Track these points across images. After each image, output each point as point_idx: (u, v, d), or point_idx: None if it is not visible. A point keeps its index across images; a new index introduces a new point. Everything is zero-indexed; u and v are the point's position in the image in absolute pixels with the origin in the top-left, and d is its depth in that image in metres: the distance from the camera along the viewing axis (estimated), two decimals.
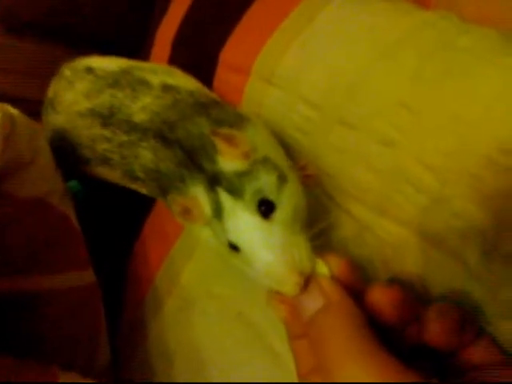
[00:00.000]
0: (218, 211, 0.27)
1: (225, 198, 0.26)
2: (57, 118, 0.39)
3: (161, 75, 0.36)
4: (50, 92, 0.41)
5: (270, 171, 0.27)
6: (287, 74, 0.38)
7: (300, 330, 0.26)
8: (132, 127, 0.33)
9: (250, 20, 0.42)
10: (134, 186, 0.37)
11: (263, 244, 0.25)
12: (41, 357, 0.31)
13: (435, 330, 0.23)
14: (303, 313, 0.24)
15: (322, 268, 0.25)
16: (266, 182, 0.26)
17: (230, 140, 0.27)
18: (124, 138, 0.34)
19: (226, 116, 0.32)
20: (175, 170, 0.30)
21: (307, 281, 0.24)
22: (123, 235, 0.47)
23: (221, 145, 0.27)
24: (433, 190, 0.28)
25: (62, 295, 0.35)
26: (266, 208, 0.26)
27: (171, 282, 0.40)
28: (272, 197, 0.26)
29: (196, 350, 0.37)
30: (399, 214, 0.30)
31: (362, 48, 0.35)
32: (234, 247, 0.27)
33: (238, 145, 0.27)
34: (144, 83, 0.35)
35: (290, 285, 0.24)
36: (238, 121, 0.31)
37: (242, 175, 0.26)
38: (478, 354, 0.24)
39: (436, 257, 0.28)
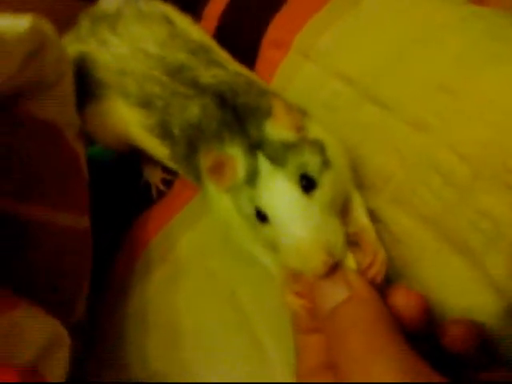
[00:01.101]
0: (252, 176, 0.25)
1: (264, 163, 0.25)
2: (113, 39, 0.37)
3: (236, 66, 0.36)
4: (109, 7, 0.39)
5: (316, 153, 0.26)
6: (325, 49, 0.37)
7: (312, 324, 0.24)
8: (194, 84, 0.33)
9: (296, 1, 0.42)
10: (156, 148, 0.36)
11: (299, 217, 0.23)
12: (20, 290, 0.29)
13: (453, 332, 0.23)
14: (323, 302, 0.23)
15: (351, 261, 0.24)
16: (310, 159, 0.25)
17: (287, 107, 0.26)
18: (181, 89, 0.33)
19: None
20: (217, 129, 0.30)
21: (334, 268, 0.23)
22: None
23: (277, 108, 0.26)
24: (463, 184, 0.27)
25: (54, 232, 0.33)
26: (307, 183, 0.24)
27: (166, 249, 0.38)
28: (315, 175, 0.25)
29: (175, 326, 0.35)
30: (420, 208, 0.28)
31: (405, 29, 0.34)
32: (261, 217, 0.25)
33: (294, 116, 0.26)
34: (220, 65, 0.35)
35: (316, 262, 0.23)
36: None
37: (288, 147, 0.25)
38: (496, 378, 0.22)
39: (455, 262, 0.26)
